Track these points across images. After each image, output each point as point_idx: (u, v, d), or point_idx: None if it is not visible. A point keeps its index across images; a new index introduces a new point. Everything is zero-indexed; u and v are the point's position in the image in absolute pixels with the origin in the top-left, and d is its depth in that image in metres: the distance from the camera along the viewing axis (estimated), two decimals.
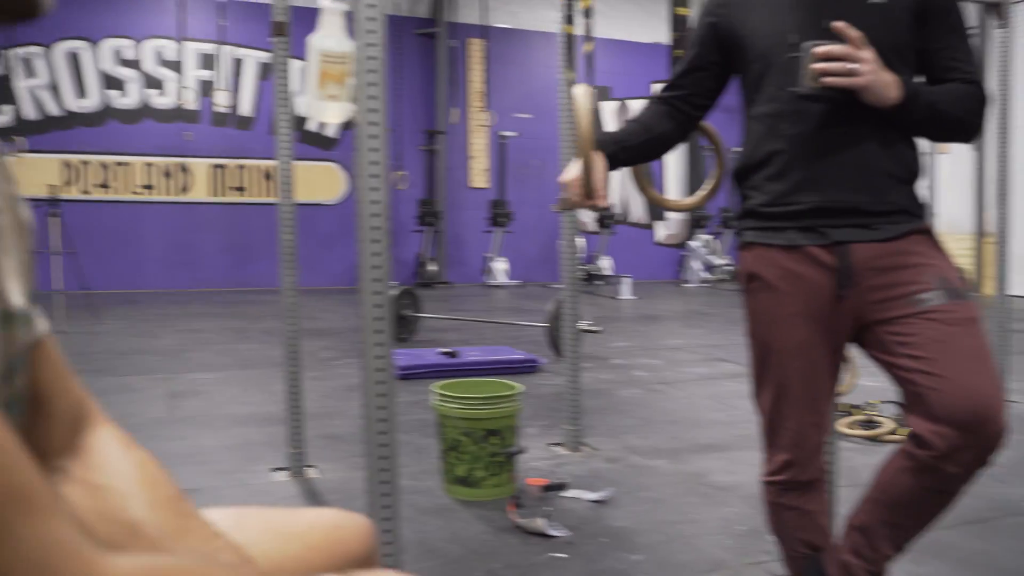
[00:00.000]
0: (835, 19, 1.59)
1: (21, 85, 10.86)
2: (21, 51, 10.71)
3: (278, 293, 3.45)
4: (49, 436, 0.80)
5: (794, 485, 1.76)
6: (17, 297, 0.67)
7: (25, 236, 0.77)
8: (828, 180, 1.68)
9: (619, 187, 13.66)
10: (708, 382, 5.36)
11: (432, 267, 12.10)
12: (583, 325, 4.49)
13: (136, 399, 4.69)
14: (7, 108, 10.72)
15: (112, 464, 0.83)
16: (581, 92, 1.83)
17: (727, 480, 3.27)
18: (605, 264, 12.94)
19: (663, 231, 14.14)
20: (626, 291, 10.82)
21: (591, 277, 12.52)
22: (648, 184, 2.47)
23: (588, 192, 1.76)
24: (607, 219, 12.85)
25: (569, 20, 2.61)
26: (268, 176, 11.93)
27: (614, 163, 1.86)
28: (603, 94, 13.21)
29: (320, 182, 12.07)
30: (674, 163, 13.81)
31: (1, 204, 0.71)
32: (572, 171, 1.79)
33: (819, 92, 1.62)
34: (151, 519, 0.81)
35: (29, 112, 10.96)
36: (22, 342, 0.70)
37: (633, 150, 1.90)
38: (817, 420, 1.74)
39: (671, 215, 13.95)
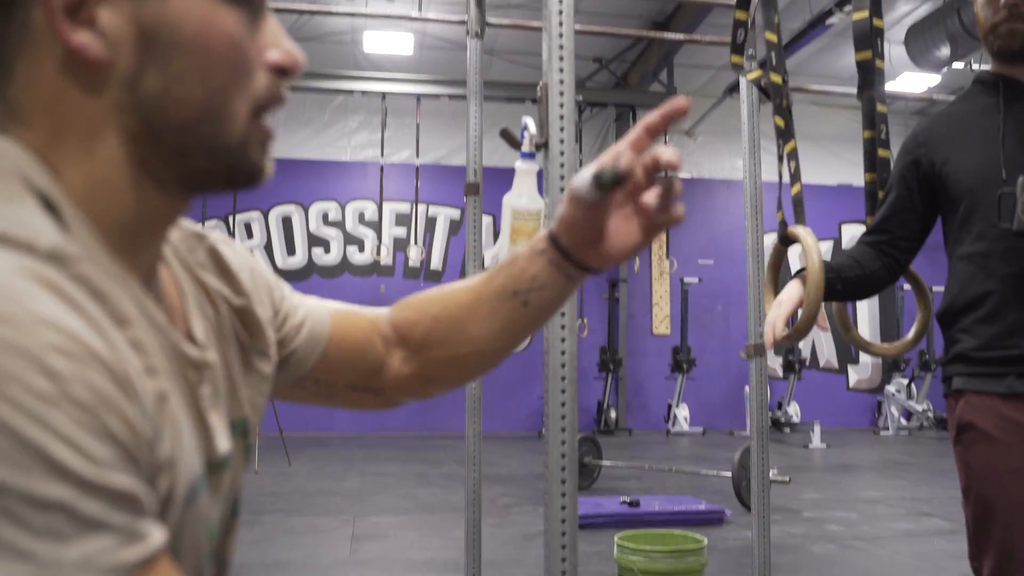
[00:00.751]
0: None
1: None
2: (242, 216, 11.86)
3: (459, 438, 3.51)
4: (389, 369, 0.93)
5: None
6: (224, 442, 0.66)
7: (243, 359, 0.75)
8: None
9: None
10: (913, 539, 4.95)
11: (612, 414, 12.01)
12: (772, 475, 4.30)
13: (321, 540, 4.84)
14: None
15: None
16: (808, 232, 1.86)
17: None
18: (792, 410, 12.39)
19: (854, 375, 13.44)
20: (816, 439, 10.27)
21: (777, 424, 12.01)
22: (851, 326, 2.38)
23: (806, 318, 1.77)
24: (795, 364, 12.38)
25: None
26: None
27: (829, 292, 1.82)
28: None
29: None
30: (866, 304, 13.25)
31: (207, 338, 0.68)
32: (791, 294, 1.79)
33: None
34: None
35: None
36: (227, 487, 0.68)
37: (848, 283, 1.84)
38: None
39: (864, 358, 13.27)
